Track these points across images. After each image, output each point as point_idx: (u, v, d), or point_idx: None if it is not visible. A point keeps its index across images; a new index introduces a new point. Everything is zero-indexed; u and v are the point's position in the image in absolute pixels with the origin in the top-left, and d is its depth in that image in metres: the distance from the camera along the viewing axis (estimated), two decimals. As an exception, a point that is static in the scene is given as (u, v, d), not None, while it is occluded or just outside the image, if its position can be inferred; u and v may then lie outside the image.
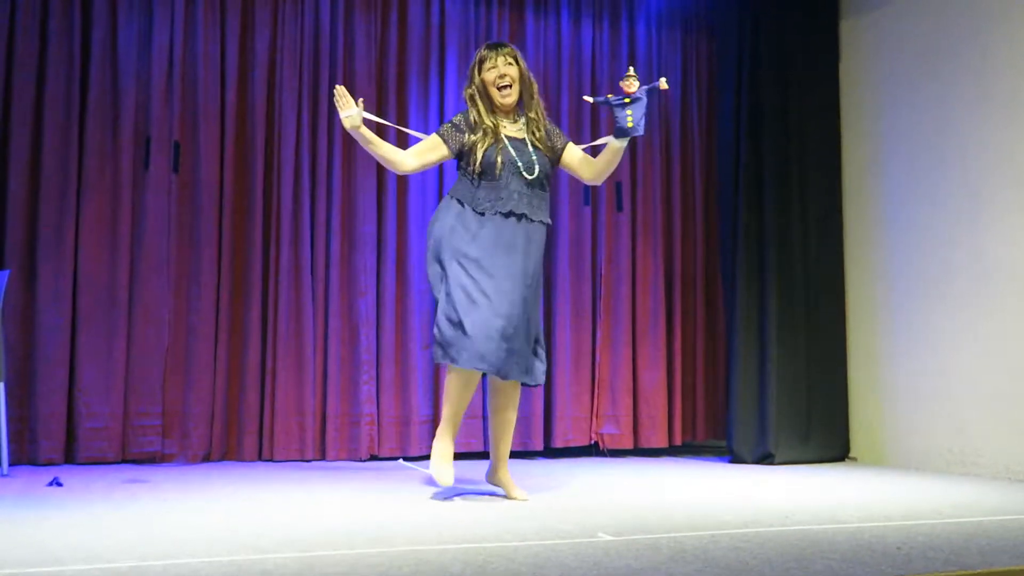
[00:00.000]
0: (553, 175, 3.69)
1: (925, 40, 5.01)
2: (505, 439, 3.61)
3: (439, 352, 3.43)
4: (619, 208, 5.43)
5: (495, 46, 3.60)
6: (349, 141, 5.01)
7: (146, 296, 4.62)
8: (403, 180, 5.07)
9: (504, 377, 3.41)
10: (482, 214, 3.47)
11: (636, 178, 5.50)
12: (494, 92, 3.56)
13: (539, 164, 3.54)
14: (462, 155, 3.57)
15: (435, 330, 3.46)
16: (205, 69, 4.79)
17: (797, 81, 5.36)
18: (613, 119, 3.50)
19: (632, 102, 3.45)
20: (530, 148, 3.56)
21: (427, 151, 3.58)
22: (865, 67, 5.37)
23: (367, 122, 3.56)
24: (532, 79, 3.65)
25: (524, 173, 3.50)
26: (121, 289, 4.58)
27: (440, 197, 5.12)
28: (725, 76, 5.42)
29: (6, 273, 4.16)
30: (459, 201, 3.53)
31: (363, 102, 3.53)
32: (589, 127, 5.43)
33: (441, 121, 5.16)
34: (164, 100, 4.72)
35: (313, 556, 2.38)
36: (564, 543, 2.60)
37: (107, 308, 4.55)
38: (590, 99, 3.67)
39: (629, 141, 3.55)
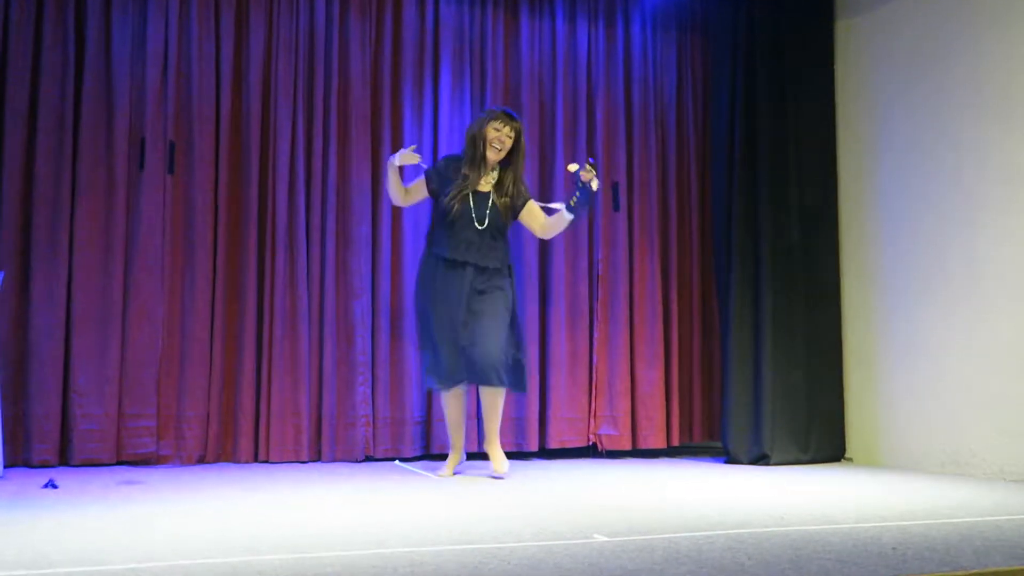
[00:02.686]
0: (508, 226, 4.34)
1: (920, 41, 5.02)
2: (489, 422, 4.32)
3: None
4: (616, 208, 5.43)
5: (509, 118, 4.27)
6: (344, 143, 5.01)
7: (141, 297, 4.61)
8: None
9: (470, 383, 4.27)
10: (438, 258, 4.24)
11: (633, 178, 5.50)
12: (488, 147, 4.25)
13: (491, 217, 4.23)
14: (438, 198, 4.28)
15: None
16: (200, 70, 4.78)
17: (792, 81, 5.36)
18: (578, 198, 4.19)
19: (583, 187, 4.20)
20: (489, 202, 4.25)
21: (416, 190, 4.38)
22: (860, 68, 5.38)
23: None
24: (524, 151, 4.35)
25: (476, 223, 4.20)
26: (116, 290, 4.58)
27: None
28: (720, 77, 5.43)
29: (0, 274, 4.15)
30: (427, 247, 4.35)
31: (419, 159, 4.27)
32: (585, 134, 5.43)
33: (435, 123, 5.18)
34: (158, 101, 4.71)
35: (308, 558, 2.38)
36: (559, 544, 2.60)
37: (102, 309, 4.55)
38: (573, 167, 4.30)
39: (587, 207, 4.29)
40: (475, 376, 4.19)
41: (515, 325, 4.32)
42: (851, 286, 5.36)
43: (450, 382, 4.23)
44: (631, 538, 2.71)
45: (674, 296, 5.51)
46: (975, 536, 2.80)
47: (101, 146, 4.63)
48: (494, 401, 4.28)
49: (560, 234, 5.24)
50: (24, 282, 4.47)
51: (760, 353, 5.12)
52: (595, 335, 5.33)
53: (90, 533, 2.71)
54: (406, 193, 4.35)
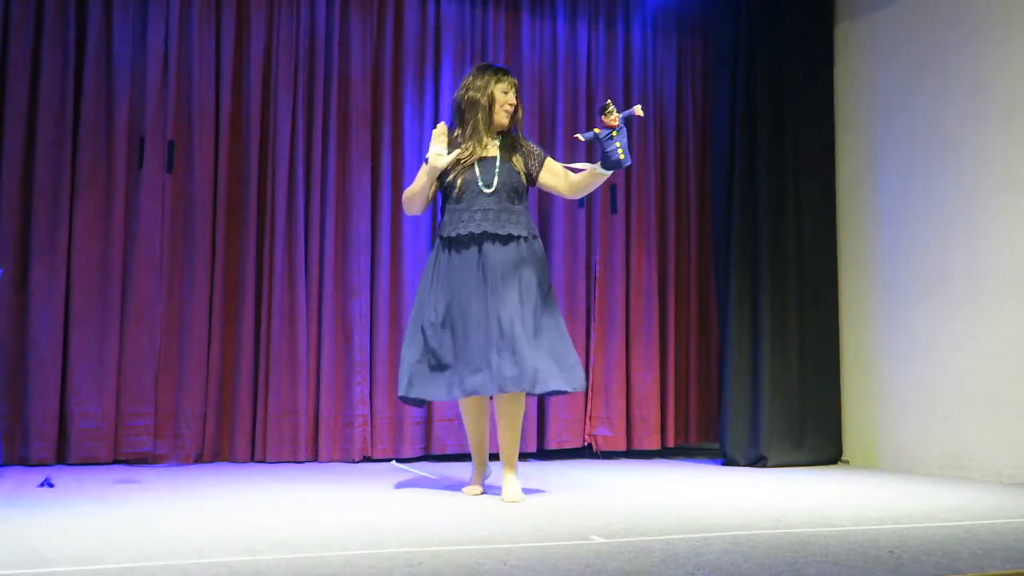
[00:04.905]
0: (526, 188, 3.75)
1: (920, 43, 5.02)
2: (502, 445, 3.64)
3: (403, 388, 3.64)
4: (613, 210, 5.44)
5: (505, 72, 3.75)
6: (344, 141, 5.01)
7: (139, 296, 4.61)
8: (398, 180, 5.07)
9: (487, 393, 3.53)
10: (446, 240, 3.64)
11: (630, 180, 5.50)
12: (499, 110, 3.70)
13: (501, 178, 3.63)
14: (442, 176, 3.69)
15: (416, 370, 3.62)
16: (200, 68, 4.78)
17: (792, 84, 5.37)
18: (602, 152, 3.56)
19: (617, 133, 3.53)
20: (497, 165, 3.65)
21: (427, 186, 3.70)
22: (860, 70, 5.38)
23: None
24: (522, 106, 3.83)
25: (484, 189, 3.60)
26: (114, 289, 4.57)
27: (434, 196, 5.10)
28: (720, 78, 5.43)
29: (-2, 272, 4.16)
30: (438, 235, 3.71)
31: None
32: (585, 130, 5.43)
33: (435, 122, 5.16)
34: (158, 99, 4.71)
35: (305, 558, 2.38)
36: (556, 545, 2.60)
37: (100, 308, 4.54)
38: (581, 137, 3.69)
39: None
40: (487, 382, 3.48)
41: (551, 308, 3.64)
42: (850, 288, 5.36)
43: (425, 393, 3.59)
44: (628, 539, 2.71)
45: (671, 298, 5.52)
46: (972, 539, 2.80)
47: (100, 144, 4.62)
48: (508, 409, 3.60)
49: (555, 236, 5.27)
50: (22, 280, 4.47)
51: (758, 355, 5.12)
52: (591, 336, 5.33)
53: (87, 532, 2.71)
54: (422, 204, 3.76)
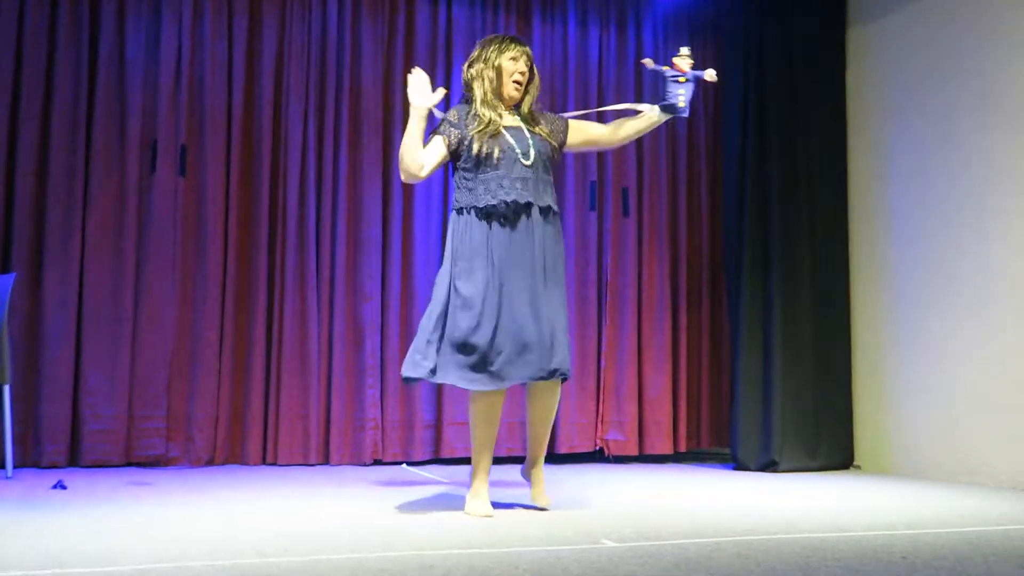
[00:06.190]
0: (557, 161, 3.53)
1: (932, 49, 5.00)
2: (541, 441, 3.49)
3: (424, 369, 3.24)
4: (625, 213, 5.43)
5: (519, 41, 3.50)
6: (355, 145, 5.02)
7: (151, 299, 4.63)
8: (409, 184, 5.07)
9: (532, 380, 3.27)
10: (484, 210, 3.31)
11: (642, 183, 5.50)
12: (507, 82, 3.44)
13: (536, 148, 3.39)
14: (459, 151, 3.40)
15: (433, 348, 3.26)
16: (212, 73, 4.80)
17: (803, 88, 5.35)
18: (664, 92, 3.48)
19: (686, 81, 3.46)
20: (527, 135, 3.41)
21: (433, 153, 3.40)
22: (872, 75, 5.37)
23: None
24: (538, 81, 3.56)
25: (521, 159, 3.34)
26: (127, 292, 4.59)
27: (445, 200, 5.11)
28: (731, 83, 5.42)
29: (12, 276, 4.17)
30: (460, 211, 3.38)
31: (441, 92, 3.43)
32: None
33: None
34: (171, 104, 4.73)
35: (316, 561, 2.38)
36: (568, 549, 2.60)
37: (112, 311, 4.56)
38: (650, 63, 3.51)
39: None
40: (533, 372, 3.23)
41: (563, 291, 3.44)
42: (861, 292, 5.35)
43: (504, 378, 3.22)
44: (640, 544, 2.71)
45: (683, 302, 5.51)
46: (985, 545, 2.79)
47: (114, 149, 4.65)
48: (553, 403, 3.42)
49: (567, 238, 5.26)
50: (36, 283, 4.49)
51: (769, 359, 5.10)
52: (603, 340, 5.33)
53: (99, 534, 2.72)
54: (426, 160, 3.38)
